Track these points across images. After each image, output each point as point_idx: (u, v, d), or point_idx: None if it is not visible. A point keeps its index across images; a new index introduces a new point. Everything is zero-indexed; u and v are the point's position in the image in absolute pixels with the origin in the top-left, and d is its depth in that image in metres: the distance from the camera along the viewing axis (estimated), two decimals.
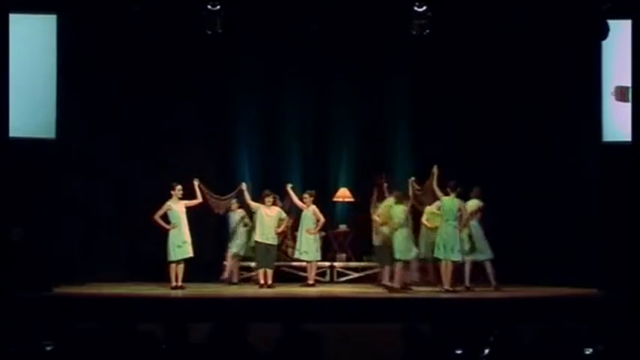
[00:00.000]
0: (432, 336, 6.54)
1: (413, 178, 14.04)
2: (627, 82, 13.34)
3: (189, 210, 14.12)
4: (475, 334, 6.70)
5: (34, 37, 13.30)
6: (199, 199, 14.21)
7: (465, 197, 13.77)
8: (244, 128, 16.02)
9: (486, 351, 6.44)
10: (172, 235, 13.90)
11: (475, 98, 15.45)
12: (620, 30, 13.39)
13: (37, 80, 13.26)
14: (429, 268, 14.74)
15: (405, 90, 15.94)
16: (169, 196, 13.99)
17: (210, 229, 15.00)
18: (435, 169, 13.61)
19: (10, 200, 12.84)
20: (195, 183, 14.17)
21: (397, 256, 13.54)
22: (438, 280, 13.91)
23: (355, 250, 15.60)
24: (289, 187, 14.59)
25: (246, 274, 15.06)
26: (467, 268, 13.82)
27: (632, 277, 12.71)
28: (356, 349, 9.51)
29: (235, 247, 14.62)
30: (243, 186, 14.49)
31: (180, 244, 13.87)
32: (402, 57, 15.62)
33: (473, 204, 14.09)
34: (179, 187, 14.01)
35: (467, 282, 13.77)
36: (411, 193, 13.93)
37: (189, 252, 13.95)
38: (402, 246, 13.54)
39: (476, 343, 6.52)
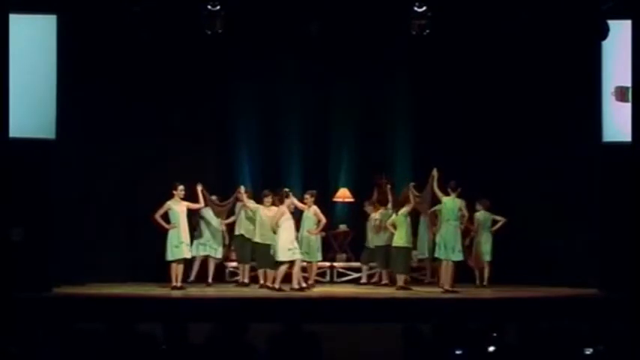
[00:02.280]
0: (432, 336, 6.55)
1: (412, 184, 14.06)
2: (627, 82, 13.37)
3: (190, 212, 14.18)
4: (475, 334, 6.70)
5: (34, 37, 13.31)
6: (202, 204, 14.22)
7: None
8: (244, 128, 16.01)
9: (490, 348, 6.45)
10: (170, 235, 13.89)
11: (475, 98, 15.46)
12: (620, 30, 13.43)
13: (37, 80, 13.28)
14: (426, 267, 14.85)
15: (404, 90, 15.98)
16: (171, 196, 14.00)
17: None
18: (434, 172, 13.61)
19: (10, 200, 12.83)
20: (199, 188, 14.17)
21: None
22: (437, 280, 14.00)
23: (355, 250, 15.58)
24: (287, 190, 14.53)
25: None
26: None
27: (632, 277, 12.72)
28: (356, 349, 9.53)
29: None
30: (242, 189, 14.48)
31: (177, 244, 13.86)
32: (401, 57, 15.62)
33: (485, 217, 14.20)
34: (181, 187, 14.00)
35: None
36: (411, 197, 13.94)
37: (185, 253, 13.95)
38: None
39: (476, 343, 6.53)
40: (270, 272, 14.16)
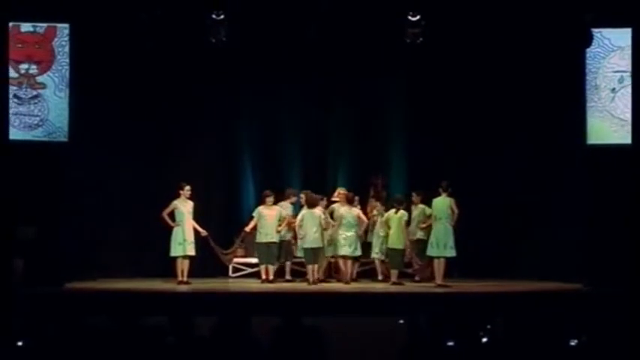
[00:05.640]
0: (427, 328, 6.92)
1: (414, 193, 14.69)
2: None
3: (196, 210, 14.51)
4: (466, 326, 7.06)
5: None
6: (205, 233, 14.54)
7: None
8: (247, 131, 16.21)
9: (484, 339, 6.83)
10: (175, 232, 14.25)
11: (467, 103, 15.58)
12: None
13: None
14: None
15: (400, 97, 16.06)
16: (177, 195, 14.33)
17: (214, 226, 15.08)
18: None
19: (24, 200, 13.14)
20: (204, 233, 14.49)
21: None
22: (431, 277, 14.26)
23: None
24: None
25: (249, 270, 15.42)
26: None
27: (616, 273, 13.04)
28: (354, 341, 9.85)
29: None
30: (247, 229, 14.76)
31: (181, 241, 14.19)
32: (396, 64, 15.63)
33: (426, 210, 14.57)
34: (188, 187, 14.32)
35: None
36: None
37: (188, 250, 14.24)
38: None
39: (466, 335, 6.89)
40: (270, 268, 14.56)
